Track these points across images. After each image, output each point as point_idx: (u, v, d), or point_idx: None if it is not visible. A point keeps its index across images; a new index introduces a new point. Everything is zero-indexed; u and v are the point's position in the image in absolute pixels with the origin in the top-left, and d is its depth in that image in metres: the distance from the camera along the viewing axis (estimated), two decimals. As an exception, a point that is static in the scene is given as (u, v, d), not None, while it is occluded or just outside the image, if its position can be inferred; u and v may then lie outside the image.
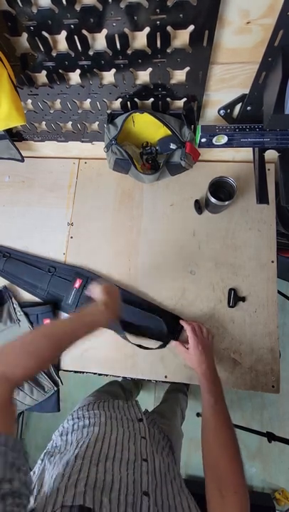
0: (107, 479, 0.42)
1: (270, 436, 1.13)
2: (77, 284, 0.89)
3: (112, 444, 0.52)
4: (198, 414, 1.62)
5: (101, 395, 0.90)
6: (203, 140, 0.75)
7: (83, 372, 0.87)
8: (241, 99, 0.69)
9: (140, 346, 0.81)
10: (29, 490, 0.34)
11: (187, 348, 0.75)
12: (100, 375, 0.87)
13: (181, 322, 0.82)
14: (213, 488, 0.48)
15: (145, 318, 0.84)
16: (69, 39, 0.56)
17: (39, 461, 0.55)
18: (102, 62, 0.61)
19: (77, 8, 0.50)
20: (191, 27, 0.52)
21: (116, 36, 0.55)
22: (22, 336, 0.50)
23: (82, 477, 0.41)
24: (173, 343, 0.80)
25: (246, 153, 0.90)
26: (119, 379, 1.29)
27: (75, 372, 0.88)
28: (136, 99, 0.71)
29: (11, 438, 0.35)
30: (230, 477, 0.50)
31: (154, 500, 0.44)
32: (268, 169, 0.88)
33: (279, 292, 1.04)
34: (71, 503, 0.36)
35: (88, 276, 0.90)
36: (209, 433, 0.57)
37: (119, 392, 1.04)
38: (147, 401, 1.67)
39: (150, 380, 0.85)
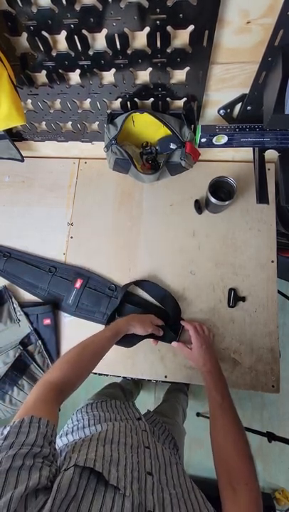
0: (114, 456, 0.44)
1: (270, 436, 1.13)
2: (78, 284, 0.89)
3: (115, 432, 0.54)
4: (198, 414, 1.62)
5: (100, 397, 0.90)
6: (203, 140, 0.75)
7: (83, 372, 0.87)
8: (241, 99, 0.69)
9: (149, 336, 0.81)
10: (56, 460, 0.41)
11: (190, 349, 0.75)
12: (100, 375, 0.87)
13: (182, 323, 0.82)
14: (225, 482, 0.49)
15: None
16: (69, 39, 0.56)
17: None
18: (102, 62, 0.61)
19: (77, 7, 0.50)
20: (191, 27, 0.52)
21: (116, 36, 0.55)
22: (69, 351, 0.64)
23: (91, 450, 0.44)
24: (175, 345, 0.80)
25: (246, 153, 0.90)
26: (119, 379, 1.29)
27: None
28: (136, 99, 0.71)
29: (48, 421, 0.43)
30: (240, 470, 0.50)
31: (157, 478, 0.45)
32: (268, 169, 0.88)
33: (279, 292, 1.04)
34: (83, 464, 0.39)
35: (89, 276, 0.90)
36: (218, 431, 0.58)
37: (119, 393, 1.05)
38: (147, 401, 1.67)
39: (150, 380, 0.85)
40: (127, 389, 1.23)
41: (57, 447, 0.60)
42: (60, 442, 0.62)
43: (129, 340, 0.78)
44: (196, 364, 0.73)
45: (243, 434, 0.57)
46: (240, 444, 0.54)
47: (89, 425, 0.64)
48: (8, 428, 0.41)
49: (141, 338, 0.80)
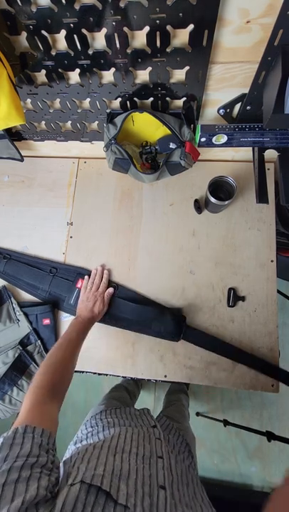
0: (124, 468, 0.43)
1: (270, 436, 1.13)
2: (79, 284, 0.88)
3: (127, 440, 0.53)
4: (197, 414, 1.62)
5: (111, 402, 0.91)
6: (203, 139, 0.75)
7: (83, 372, 0.87)
8: (241, 98, 0.69)
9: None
10: (57, 467, 0.40)
11: None
12: (99, 374, 0.87)
13: None
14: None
15: (149, 317, 0.84)
16: (68, 38, 0.56)
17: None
18: (102, 61, 0.60)
19: (77, 7, 0.50)
20: (191, 26, 0.52)
21: (115, 35, 0.54)
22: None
23: (101, 462, 0.43)
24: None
25: (245, 152, 0.90)
26: (119, 379, 1.29)
27: (75, 371, 0.87)
28: (135, 99, 0.71)
29: (42, 429, 0.43)
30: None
31: (170, 493, 0.43)
32: (268, 169, 0.88)
33: (279, 292, 1.04)
34: (90, 481, 0.38)
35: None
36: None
37: (126, 396, 1.05)
38: (147, 401, 1.67)
39: (150, 380, 0.85)
40: (130, 390, 1.23)
41: (68, 454, 0.60)
42: (73, 448, 0.62)
43: (108, 321, 0.86)
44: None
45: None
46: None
47: (103, 430, 0.64)
48: (1, 439, 0.40)
49: (118, 317, 0.86)
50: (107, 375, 0.86)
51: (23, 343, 0.85)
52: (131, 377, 0.87)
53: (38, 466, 0.37)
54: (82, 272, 0.91)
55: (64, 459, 0.50)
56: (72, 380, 0.64)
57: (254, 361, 0.80)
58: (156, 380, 0.85)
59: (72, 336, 0.71)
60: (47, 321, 0.86)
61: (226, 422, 1.40)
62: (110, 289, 0.86)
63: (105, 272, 0.89)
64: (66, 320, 0.89)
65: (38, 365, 0.83)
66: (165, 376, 0.83)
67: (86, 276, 0.89)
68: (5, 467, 0.35)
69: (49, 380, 0.57)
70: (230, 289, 0.85)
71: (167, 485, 0.45)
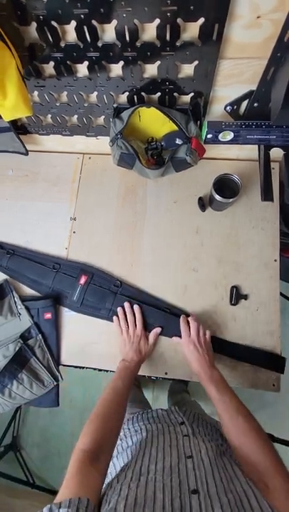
0: (148, 493, 0.42)
1: (270, 438, 1.13)
2: (82, 281, 0.88)
3: (152, 456, 0.52)
4: (196, 414, 1.61)
5: (132, 406, 0.91)
6: (210, 136, 0.75)
7: (83, 368, 0.87)
8: (248, 95, 0.68)
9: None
10: None
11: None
12: (99, 370, 0.87)
13: (183, 319, 0.81)
14: (256, 481, 0.47)
15: (152, 316, 0.84)
16: (78, 30, 0.56)
17: None
18: (111, 54, 0.60)
19: (88, -3, 0.50)
20: (202, 20, 0.52)
21: (125, 27, 0.54)
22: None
23: (122, 497, 0.41)
24: (174, 339, 0.81)
25: (250, 151, 0.90)
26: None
27: (75, 367, 0.87)
28: (143, 94, 0.71)
29: (88, 500, 0.40)
30: (263, 462, 0.49)
31: (204, 494, 0.42)
32: (273, 168, 0.88)
33: (281, 294, 1.04)
34: None
35: (93, 272, 0.89)
36: (226, 425, 0.58)
37: (139, 394, 1.04)
38: (145, 400, 1.66)
39: (150, 377, 0.84)
40: (136, 384, 1.22)
41: (110, 472, 0.59)
42: (111, 466, 0.60)
43: (110, 318, 0.85)
44: (185, 358, 0.76)
45: (253, 423, 0.57)
46: (252, 435, 0.54)
47: (132, 443, 0.63)
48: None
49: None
50: (107, 371, 0.86)
51: (24, 336, 0.84)
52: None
53: None
54: (85, 269, 0.90)
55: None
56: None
57: (255, 355, 0.80)
58: (156, 378, 0.85)
59: (117, 385, 0.67)
60: (48, 316, 0.86)
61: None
62: (157, 329, 0.82)
63: (136, 306, 0.84)
64: (68, 315, 0.88)
65: (38, 359, 0.83)
66: (166, 373, 0.82)
67: (115, 317, 0.84)
68: None
69: (93, 441, 0.54)
70: (232, 287, 0.85)
71: (200, 485, 0.43)
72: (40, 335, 0.85)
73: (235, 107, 0.72)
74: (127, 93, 0.71)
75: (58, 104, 0.78)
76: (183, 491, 0.42)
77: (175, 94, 0.70)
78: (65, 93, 0.73)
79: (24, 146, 0.94)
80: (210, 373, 0.68)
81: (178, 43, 0.57)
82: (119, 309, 0.84)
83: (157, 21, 0.53)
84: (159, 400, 1.63)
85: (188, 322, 0.80)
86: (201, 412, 0.87)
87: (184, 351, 0.76)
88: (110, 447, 0.56)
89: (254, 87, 0.66)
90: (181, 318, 0.81)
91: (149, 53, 0.59)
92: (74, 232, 0.95)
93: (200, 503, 0.40)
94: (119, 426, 0.61)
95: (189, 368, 0.74)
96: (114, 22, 0.54)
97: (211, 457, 0.50)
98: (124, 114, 0.75)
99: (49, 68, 0.67)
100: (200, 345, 0.74)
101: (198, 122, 0.75)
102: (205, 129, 0.74)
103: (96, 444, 0.54)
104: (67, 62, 0.64)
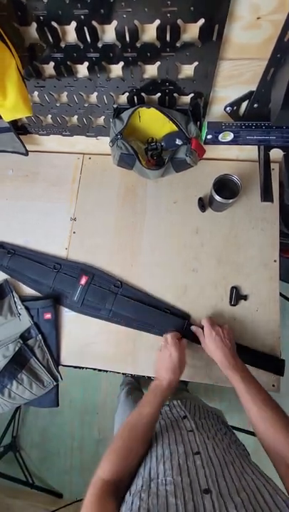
0: (161, 500, 0.41)
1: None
2: (82, 281, 0.88)
3: (159, 455, 0.52)
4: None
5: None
6: (209, 137, 0.75)
7: (82, 368, 0.87)
8: (248, 96, 0.69)
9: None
10: None
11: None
12: (99, 370, 0.87)
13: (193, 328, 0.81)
14: (281, 467, 0.49)
15: (152, 317, 0.84)
16: (78, 30, 0.56)
17: None
18: (111, 54, 0.61)
19: (88, -2, 0.50)
20: (202, 20, 0.52)
21: (126, 28, 0.54)
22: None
23: (134, 510, 0.41)
24: (193, 328, 0.80)
25: (250, 152, 0.90)
26: (118, 377, 1.28)
27: (75, 367, 0.87)
28: (143, 94, 0.71)
29: None
30: None
31: (216, 493, 0.41)
32: (272, 169, 0.88)
33: (281, 295, 1.04)
34: None
35: (94, 272, 0.89)
36: (255, 418, 0.58)
37: (141, 396, 1.03)
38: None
39: (150, 378, 0.84)
40: (137, 387, 1.21)
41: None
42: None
43: (110, 318, 0.85)
44: (208, 352, 0.74)
45: (280, 412, 0.57)
46: (280, 423, 0.55)
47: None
48: None
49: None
50: (107, 371, 0.86)
51: (24, 336, 0.84)
52: (131, 375, 0.86)
53: None
54: (85, 269, 0.90)
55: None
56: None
57: (255, 357, 0.79)
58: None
59: (144, 412, 0.62)
60: (48, 316, 0.86)
61: (224, 423, 1.39)
62: (184, 341, 0.79)
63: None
64: (68, 315, 0.88)
65: (38, 360, 0.83)
66: (165, 373, 0.82)
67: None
68: None
69: (114, 473, 0.52)
70: (232, 288, 0.85)
71: (211, 483, 0.43)
72: (39, 335, 0.85)
73: (235, 107, 0.73)
74: (127, 93, 0.71)
75: (58, 105, 0.78)
76: (195, 491, 0.42)
77: (175, 94, 0.70)
78: (65, 93, 0.73)
79: (24, 146, 0.94)
80: (234, 362, 0.68)
81: (178, 44, 0.57)
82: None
83: (157, 22, 0.53)
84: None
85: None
86: (202, 403, 0.87)
87: (205, 342, 0.75)
88: (128, 478, 0.54)
89: (254, 88, 0.66)
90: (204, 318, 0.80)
91: (149, 54, 0.59)
92: (74, 233, 0.95)
93: (213, 504, 0.39)
94: (144, 453, 0.57)
95: (211, 357, 0.73)
96: (115, 23, 0.54)
97: (218, 454, 0.50)
98: (125, 115, 0.75)
99: (49, 69, 0.67)
100: (223, 334, 0.74)
101: (198, 123, 0.75)
102: (205, 130, 0.74)
103: (117, 475, 0.52)
104: (68, 62, 0.64)
